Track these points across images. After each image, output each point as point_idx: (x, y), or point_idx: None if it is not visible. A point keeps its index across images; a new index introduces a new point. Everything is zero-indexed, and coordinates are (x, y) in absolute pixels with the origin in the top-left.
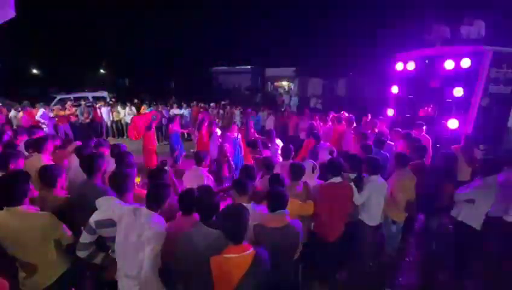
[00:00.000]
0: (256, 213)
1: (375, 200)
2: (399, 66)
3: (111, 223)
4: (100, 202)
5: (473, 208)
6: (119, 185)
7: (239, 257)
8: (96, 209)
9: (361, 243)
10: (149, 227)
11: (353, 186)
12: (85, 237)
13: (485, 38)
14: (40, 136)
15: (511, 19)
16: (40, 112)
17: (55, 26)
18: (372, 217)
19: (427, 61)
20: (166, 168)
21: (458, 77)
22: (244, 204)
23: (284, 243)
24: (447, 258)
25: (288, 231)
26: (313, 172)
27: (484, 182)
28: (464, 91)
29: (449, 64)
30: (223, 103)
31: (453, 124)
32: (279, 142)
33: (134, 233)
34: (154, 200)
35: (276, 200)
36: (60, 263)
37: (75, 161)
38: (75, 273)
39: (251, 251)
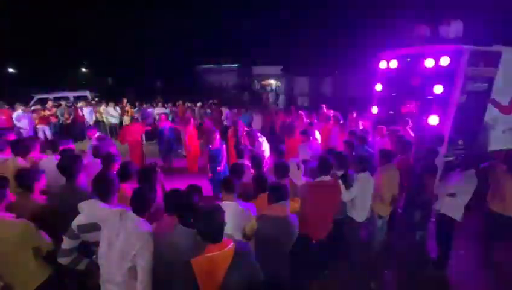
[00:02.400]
0: (239, 209)
1: (363, 197)
2: (382, 64)
3: (95, 227)
4: (83, 205)
5: (453, 200)
6: (103, 188)
7: (220, 254)
8: (79, 213)
9: (350, 238)
10: (137, 234)
11: (341, 183)
12: (67, 243)
13: (462, 38)
14: (14, 138)
15: (488, 18)
16: (15, 113)
17: (34, 23)
18: (360, 213)
19: (408, 59)
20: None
21: (438, 74)
22: (230, 202)
23: (284, 232)
24: (429, 249)
25: (288, 221)
26: (298, 169)
27: (463, 176)
28: (444, 88)
29: (429, 63)
30: (210, 101)
31: (433, 120)
32: (262, 139)
33: (120, 238)
34: (139, 205)
35: (277, 191)
36: (40, 271)
37: (52, 163)
38: (56, 281)
39: (231, 245)
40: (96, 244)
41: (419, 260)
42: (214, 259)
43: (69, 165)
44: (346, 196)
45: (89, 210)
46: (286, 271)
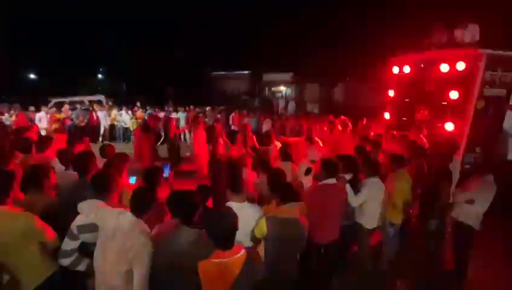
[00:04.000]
0: (248, 211)
1: (372, 203)
2: (395, 69)
3: (94, 228)
4: (82, 205)
5: (472, 208)
6: (100, 186)
7: (229, 261)
8: None
9: (359, 246)
10: (134, 236)
11: (348, 187)
12: (67, 244)
13: (479, 42)
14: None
15: (506, 22)
16: (38, 114)
17: (53, 31)
18: (369, 219)
19: (422, 65)
20: (167, 170)
21: (453, 80)
22: (237, 203)
23: (293, 234)
24: (445, 258)
25: (297, 223)
26: (306, 174)
27: (482, 182)
28: (459, 94)
29: (444, 68)
30: (221, 107)
31: (449, 127)
32: (277, 144)
33: (116, 239)
34: (138, 206)
35: (288, 192)
36: (44, 267)
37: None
38: (60, 279)
39: (243, 252)
40: (95, 245)
41: (435, 270)
42: (223, 266)
43: (83, 161)
44: (354, 200)
45: (89, 210)
46: (295, 273)
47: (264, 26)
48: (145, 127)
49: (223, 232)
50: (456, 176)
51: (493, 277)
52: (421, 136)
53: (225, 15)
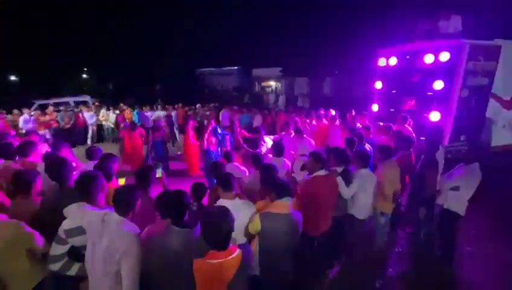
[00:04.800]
0: (240, 208)
1: (364, 194)
2: (381, 61)
3: (82, 231)
4: (68, 210)
5: (458, 195)
6: (84, 189)
7: (224, 262)
8: None
9: (351, 237)
10: (120, 236)
11: (340, 179)
12: (56, 249)
13: (462, 32)
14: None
15: (486, 12)
16: (22, 117)
17: (36, 30)
18: (361, 210)
19: (408, 56)
20: (160, 170)
21: (438, 70)
22: (229, 200)
23: (288, 229)
24: (434, 246)
25: (291, 218)
26: (301, 170)
27: (467, 169)
28: (444, 84)
29: (429, 59)
30: (211, 104)
31: (434, 116)
32: (267, 140)
33: (103, 241)
34: (121, 205)
35: (282, 187)
36: (34, 273)
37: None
38: (51, 284)
39: (237, 252)
40: (85, 248)
41: (425, 257)
42: (217, 267)
43: (55, 169)
44: (346, 192)
45: (74, 214)
46: (290, 268)
47: (253, 21)
48: (131, 126)
49: (219, 233)
50: (441, 165)
51: (480, 260)
52: (406, 126)
53: (211, 10)
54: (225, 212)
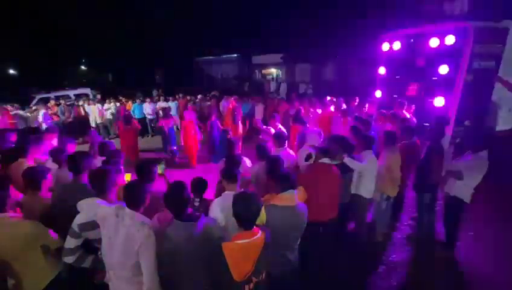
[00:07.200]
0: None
1: (369, 174)
2: (385, 46)
3: (95, 225)
4: (81, 204)
5: (463, 183)
6: (98, 184)
7: (251, 242)
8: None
9: (357, 217)
10: (136, 229)
11: (348, 158)
12: (70, 242)
13: (468, 13)
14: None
15: None
16: (40, 113)
17: (32, 23)
18: (367, 189)
19: (412, 40)
20: (162, 166)
21: (443, 54)
22: (232, 192)
23: (294, 221)
24: (438, 231)
25: (297, 210)
26: (306, 160)
27: (475, 157)
28: (449, 68)
29: (434, 42)
30: (212, 93)
31: (439, 102)
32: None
33: (119, 235)
34: (133, 201)
35: (286, 180)
36: (49, 269)
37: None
38: (66, 278)
39: (261, 234)
40: (99, 241)
41: (427, 241)
42: (245, 247)
43: (77, 161)
44: (356, 165)
45: (88, 208)
46: (296, 260)
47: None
48: (126, 119)
49: (249, 214)
50: (447, 150)
51: (483, 249)
52: (403, 111)
53: None
54: (254, 195)
